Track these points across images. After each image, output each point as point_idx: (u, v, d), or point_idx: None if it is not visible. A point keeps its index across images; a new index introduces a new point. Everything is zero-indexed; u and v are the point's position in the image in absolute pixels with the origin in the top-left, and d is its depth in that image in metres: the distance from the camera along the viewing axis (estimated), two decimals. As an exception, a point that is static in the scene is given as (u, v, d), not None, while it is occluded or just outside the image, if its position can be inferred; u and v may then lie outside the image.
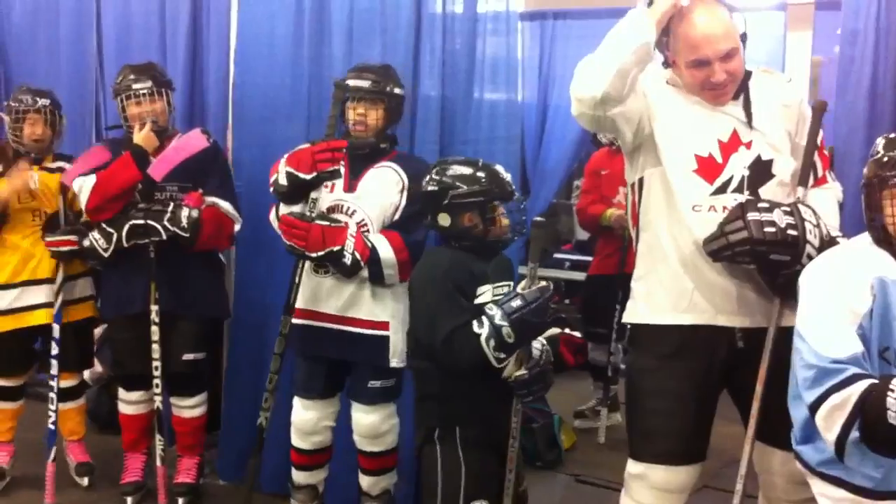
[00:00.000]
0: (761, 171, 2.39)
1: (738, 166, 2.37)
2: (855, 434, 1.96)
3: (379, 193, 3.10)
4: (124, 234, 3.26)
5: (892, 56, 2.65)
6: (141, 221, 3.24)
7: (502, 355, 2.36)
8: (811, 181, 2.44)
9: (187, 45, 3.89)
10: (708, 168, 2.36)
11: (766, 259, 2.25)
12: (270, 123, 3.53)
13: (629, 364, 2.61)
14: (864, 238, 2.18)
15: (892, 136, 2.21)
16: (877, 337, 2.04)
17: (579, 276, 5.24)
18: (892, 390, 1.90)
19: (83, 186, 3.29)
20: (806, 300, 2.12)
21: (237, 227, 3.44)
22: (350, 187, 3.09)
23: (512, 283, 2.54)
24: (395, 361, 3.06)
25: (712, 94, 2.37)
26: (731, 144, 2.38)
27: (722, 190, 2.36)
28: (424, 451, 2.55)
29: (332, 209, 3.06)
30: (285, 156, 3.01)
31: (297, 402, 3.19)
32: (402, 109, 3.18)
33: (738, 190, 2.35)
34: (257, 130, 3.60)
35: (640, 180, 2.48)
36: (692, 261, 2.36)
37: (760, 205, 2.26)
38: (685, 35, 2.32)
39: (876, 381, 1.95)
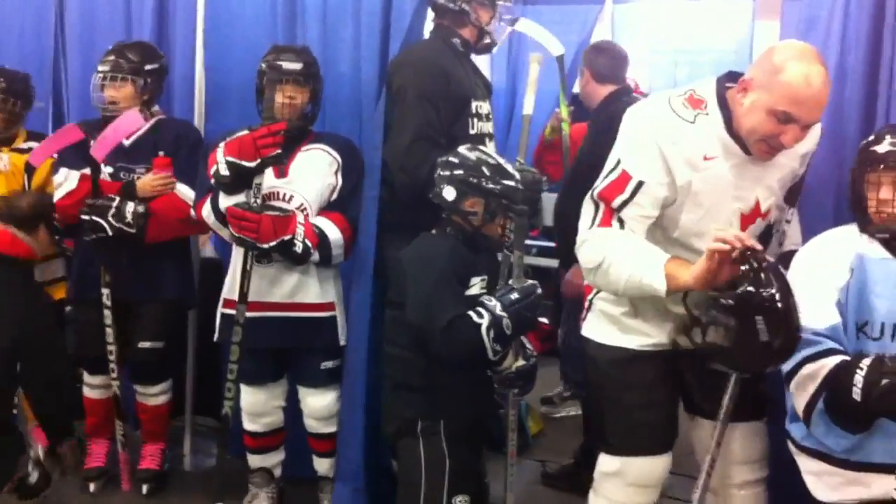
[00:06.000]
0: (766, 235, 2.42)
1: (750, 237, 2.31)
2: (821, 405, 2.09)
3: (314, 176, 3.09)
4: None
5: (861, 46, 2.66)
6: (87, 217, 3.18)
7: (498, 347, 2.37)
8: None
9: (153, 25, 3.82)
10: None
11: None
12: (249, 106, 3.40)
13: (597, 359, 2.51)
14: (852, 225, 2.30)
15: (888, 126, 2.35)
16: (854, 311, 2.16)
17: (546, 262, 5.23)
18: (861, 368, 2.02)
19: (65, 183, 3.29)
20: (791, 276, 2.19)
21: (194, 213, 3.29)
22: (281, 173, 3.06)
23: (486, 278, 2.54)
24: (343, 339, 3.13)
25: (765, 150, 2.20)
26: (751, 216, 2.32)
27: None
28: (403, 443, 2.52)
29: (266, 197, 3.02)
30: (221, 145, 2.94)
31: (245, 387, 3.20)
32: (321, 92, 3.18)
33: None
34: (235, 113, 3.50)
35: None
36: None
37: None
38: (794, 83, 2.09)
39: (848, 358, 2.07)
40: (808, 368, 2.11)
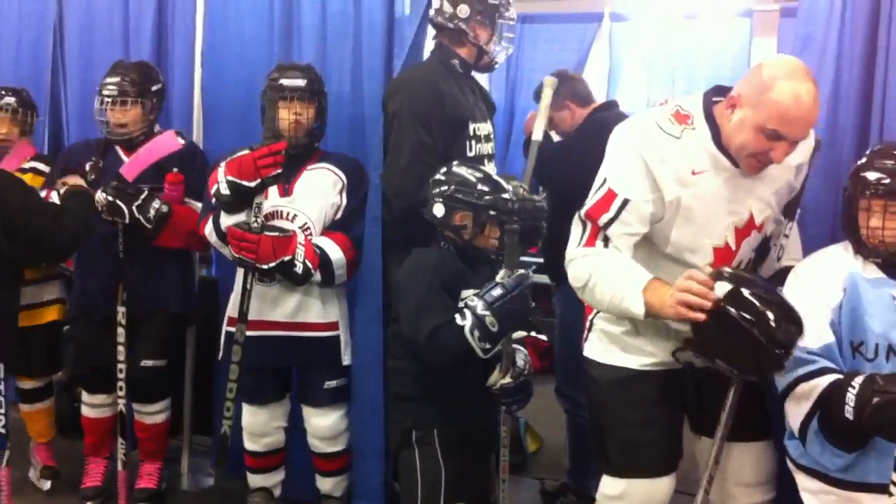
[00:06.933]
0: (763, 248, 2.41)
1: (747, 251, 2.35)
2: (815, 424, 2.10)
3: (319, 196, 3.09)
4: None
5: (856, 64, 2.67)
6: (110, 198, 3.14)
7: (487, 345, 2.36)
8: None
9: (152, 44, 3.83)
10: (722, 258, 2.29)
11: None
12: (247, 125, 3.42)
13: (598, 379, 2.47)
14: (847, 243, 2.30)
15: (877, 147, 2.31)
16: (847, 331, 2.16)
17: (544, 279, 5.20)
18: (853, 387, 2.03)
19: None
20: (786, 294, 2.19)
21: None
22: (285, 192, 3.06)
23: None
24: (347, 359, 3.13)
25: (755, 164, 2.20)
26: (746, 230, 2.31)
27: None
28: (402, 455, 2.55)
29: (270, 216, 3.02)
30: (223, 164, 2.93)
31: (246, 407, 3.19)
32: (327, 110, 3.18)
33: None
34: (230, 133, 3.50)
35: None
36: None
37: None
38: (783, 101, 2.07)
39: (841, 377, 2.07)
40: (802, 388, 2.11)
